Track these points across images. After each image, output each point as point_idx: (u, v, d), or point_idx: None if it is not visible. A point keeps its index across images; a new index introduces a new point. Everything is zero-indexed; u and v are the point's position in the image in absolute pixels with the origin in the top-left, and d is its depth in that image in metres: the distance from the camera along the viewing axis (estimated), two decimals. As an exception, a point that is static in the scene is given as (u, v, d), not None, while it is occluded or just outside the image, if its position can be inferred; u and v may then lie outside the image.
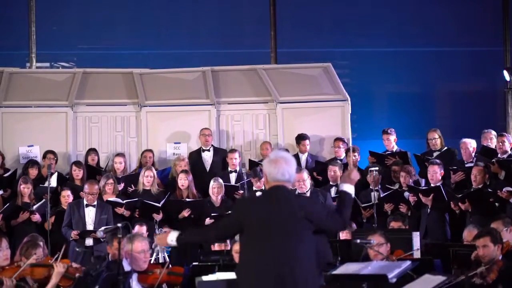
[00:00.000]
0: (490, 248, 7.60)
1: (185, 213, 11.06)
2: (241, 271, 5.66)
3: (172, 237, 5.87)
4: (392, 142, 12.09)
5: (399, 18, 15.66)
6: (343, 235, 9.59)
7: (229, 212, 5.91)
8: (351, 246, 8.68)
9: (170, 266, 7.71)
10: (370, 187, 11.14)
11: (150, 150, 12.36)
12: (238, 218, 5.71)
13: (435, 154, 11.76)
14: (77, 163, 11.81)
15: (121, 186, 11.55)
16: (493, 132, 11.67)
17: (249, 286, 5.56)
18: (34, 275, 7.33)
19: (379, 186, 11.21)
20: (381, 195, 11.01)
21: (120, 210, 11.00)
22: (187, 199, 11.20)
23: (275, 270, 5.48)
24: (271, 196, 5.72)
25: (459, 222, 10.44)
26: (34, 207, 10.90)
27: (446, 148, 11.91)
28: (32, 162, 11.88)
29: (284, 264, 5.50)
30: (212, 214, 10.97)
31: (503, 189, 10.23)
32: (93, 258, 9.02)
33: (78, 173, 11.65)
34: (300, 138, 12.39)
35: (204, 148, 12.43)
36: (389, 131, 12.13)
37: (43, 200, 10.82)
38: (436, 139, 11.88)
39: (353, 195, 5.77)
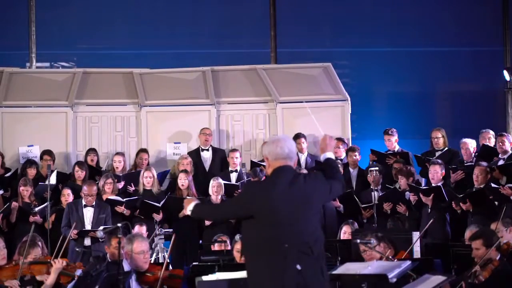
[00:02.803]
0: (482, 250, 7.64)
1: (185, 211, 11.02)
2: (255, 257, 5.64)
3: (191, 206, 6.01)
4: (393, 143, 12.08)
5: (399, 18, 15.65)
6: (345, 236, 9.59)
7: (238, 195, 5.92)
8: (351, 246, 8.67)
9: (170, 266, 7.71)
10: (371, 187, 11.13)
11: (145, 151, 12.32)
12: (247, 203, 5.70)
13: (437, 153, 11.75)
14: (79, 164, 11.79)
15: (121, 184, 11.55)
16: (491, 132, 11.67)
17: (271, 271, 5.55)
18: (33, 273, 7.34)
19: (380, 186, 11.20)
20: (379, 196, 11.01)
21: (120, 209, 11.00)
22: (188, 197, 11.19)
23: (295, 251, 5.58)
24: (278, 178, 5.72)
25: (460, 222, 10.44)
26: (36, 209, 10.87)
27: (447, 148, 11.90)
28: (30, 162, 11.85)
29: (302, 244, 5.62)
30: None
31: (505, 185, 10.22)
32: (91, 258, 9.01)
33: (80, 174, 11.62)
34: (296, 137, 12.24)
35: (203, 147, 12.43)
36: (390, 132, 12.11)
37: (46, 203, 10.82)
38: (439, 138, 11.86)
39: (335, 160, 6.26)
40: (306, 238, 5.64)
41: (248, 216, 5.68)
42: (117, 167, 12.00)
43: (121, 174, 11.84)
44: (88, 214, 10.74)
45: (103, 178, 11.29)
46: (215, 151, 12.47)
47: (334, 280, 6.67)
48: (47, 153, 12.06)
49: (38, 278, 7.36)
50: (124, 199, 11.07)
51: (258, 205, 5.65)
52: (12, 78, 13.08)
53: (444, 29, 15.61)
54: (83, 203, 10.75)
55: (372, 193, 10.98)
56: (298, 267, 5.56)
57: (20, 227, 10.77)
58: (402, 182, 11.04)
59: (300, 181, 5.78)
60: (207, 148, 12.43)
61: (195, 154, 12.31)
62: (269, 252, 5.59)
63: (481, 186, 10.47)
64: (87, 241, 10.61)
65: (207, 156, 12.41)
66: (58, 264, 7.33)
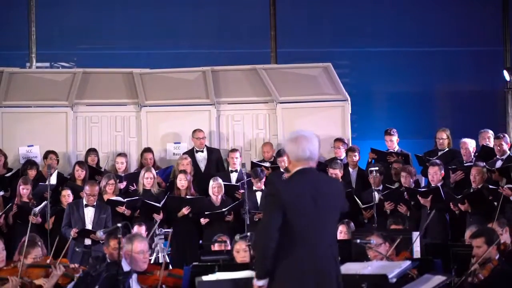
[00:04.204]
0: (484, 249, 7.64)
1: (185, 210, 11.05)
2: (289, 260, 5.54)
3: (256, 280, 5.57)
4: (394, 143, 12.08)
5: (399, 18, 15.66)
6: (341, 235, 9.59)
7: (266, 207, 5.79)
8: (351, 246, 8.67)
9: (170, 267, 7.70)
10: (372, 187, 11.12)
11: (150, 150, 12.31)
12: (281, 206, 5.53)
13: (439, 153, 11.74)
14: (80, 163, 11.79)
15: (123, 185, 11.54)
16: (490, 132, 11.67)
17: (293, 272, 5.50)
18: (31, 276, 7.32)
19: (381, 186, 11.20)
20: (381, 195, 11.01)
21: (121, 209, 10.99)
22: (187, 197, 11.19)
23: (318, 252, 5.54)
24: (299, 180, 5.64)
25: (459, 222, 10.44)
26: (36, 209, 10.84)
27: (448, 149, 11.88)
28: (30, 163, 11.82)
29: (331, 246, 5.62)
30: (206, 213, 10.98)
31: (504, 186, 10.22)
32: (91, 259, 9.00)
33: (80, 174, 11.62)
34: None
35: (197, 149, 12.41)
36: (391, 132, 12.11)
37: (45, 202, 10.81)
38: (444, 139, 11.84)
39: None
40: (328, 240, 5.63)
41: (284, 213, 5.55)
42: (119, 168, 11.99)
43: (123, 175, 11.84)
44: (89, 214, 10.73)
45: (105, 179, 11.27)
46: (210, 151, 12.45)
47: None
48: (52, 152, 12.02)
49: (36, 282, 7.33)
50: (125, 200, 11.07)
51: (284, 204, 5.57)
52: (12, 78, 13.08)
53: (444, 29, 15.61)
54: (84, 203, 10.75)
55: (373, 193, 10.97)
56: (320, 267, 5.54)
57: (20, 227, 10.76)
58: (403, 181, 11.02)
59: (323, 183, 5.76)
60: (201, 149, 12.41)
61: (190, 156, 12.28)
62: (292, 254, 5.54)
63: (479, 186, 10.47)
64: (87, 241, 10.61)
65: (201, 157, 12.39)
66: (58, 271, 7.31)
